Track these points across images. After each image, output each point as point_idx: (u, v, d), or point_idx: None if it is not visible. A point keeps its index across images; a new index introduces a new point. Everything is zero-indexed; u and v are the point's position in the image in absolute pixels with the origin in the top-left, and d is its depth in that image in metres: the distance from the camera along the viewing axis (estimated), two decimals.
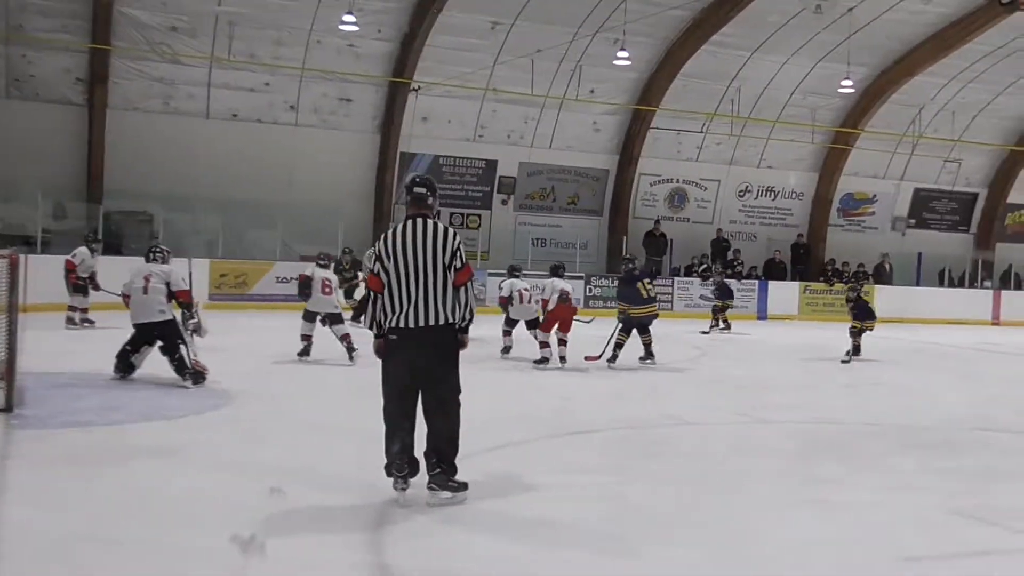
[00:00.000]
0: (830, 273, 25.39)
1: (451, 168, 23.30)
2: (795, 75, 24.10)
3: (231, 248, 20.17)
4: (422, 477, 5.54)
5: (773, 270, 25.26)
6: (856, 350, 14.49)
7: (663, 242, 24.61)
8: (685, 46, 22.42)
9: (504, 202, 24.02)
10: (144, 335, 9.42)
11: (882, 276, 26.31)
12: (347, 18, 19.02)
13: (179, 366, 9.26)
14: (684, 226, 25.63)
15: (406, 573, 4.48)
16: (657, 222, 24.73)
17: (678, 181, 25.59)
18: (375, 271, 5.62)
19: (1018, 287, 27.88)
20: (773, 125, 25.10)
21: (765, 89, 24.26)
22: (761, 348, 16.68)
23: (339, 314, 11.82)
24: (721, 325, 19.09)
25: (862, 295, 15.52)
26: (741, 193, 26.28)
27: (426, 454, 5.56)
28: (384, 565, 4.57)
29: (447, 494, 5.50)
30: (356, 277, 17.52)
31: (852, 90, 23.90)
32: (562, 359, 12.00)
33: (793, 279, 25.23)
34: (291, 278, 19.61)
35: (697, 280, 23.65)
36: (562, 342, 12.07)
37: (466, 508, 5.46)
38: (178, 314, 9.62)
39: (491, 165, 23.68)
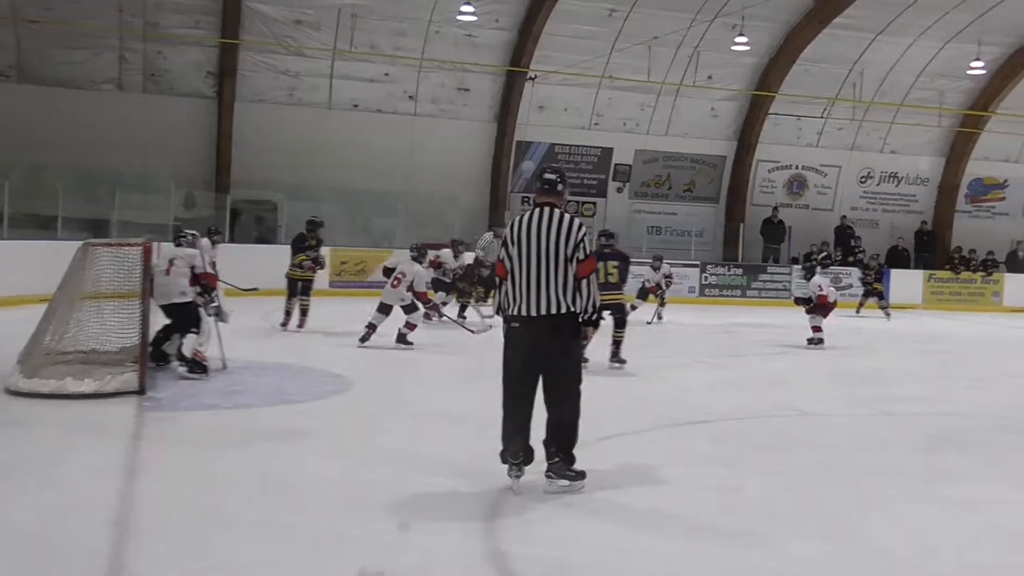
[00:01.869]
0: (957, 261, 24.58)
1: (567, 156, 23.36)
2: (921, 57, 23.36)
3: (352, 236, 20.67)
4: (539, 465, 5.62)
5: (896, 258, 24.56)
6: None
7: (781, 229, 24.20)
8: (806, 30, 21.97)
9: (619, 189, 23.98)
10: (169, 318, 9.24)
11: (1015, 265, 25.34)
12: (465, 8, 19.26)
13: (179, 353, 9.18)
14: (803, 213, 25.15)
15: (521, 561, 4.52)
16: (775, 209, 24.33)
17: (797, 167, 25.11)
18: (501, 257, 5.72)
19: None
20: (897, 109, 24.39)
21: (889, 72, 23.59)
22: (884, 338, 16.29)
23: (409, 305, 11.79)
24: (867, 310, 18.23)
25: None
26: (863, 179, 25.63)
27: (545, 442, 5.62)
28: (499, 552, 4.62)
29: (564, 482, 5.57)
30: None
31: (983, 71, 23.07)
32: None
33: (917, 267, 24.50)
34: None
35: (818, 268, 23.13)
36: None
37: (582, 497, 5.51)
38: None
39: (607, 152, 23.66)
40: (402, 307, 11.86)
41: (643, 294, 16.95)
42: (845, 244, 24.17)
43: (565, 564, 4.55)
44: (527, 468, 5.58)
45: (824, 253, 23.47)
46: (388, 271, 12.06)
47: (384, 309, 11.85)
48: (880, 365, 12.67)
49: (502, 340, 5.74)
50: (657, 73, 22.31)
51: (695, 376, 10.75)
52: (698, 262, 22.71)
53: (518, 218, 5.71)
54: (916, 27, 22.33)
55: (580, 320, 5.59)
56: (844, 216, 24.98)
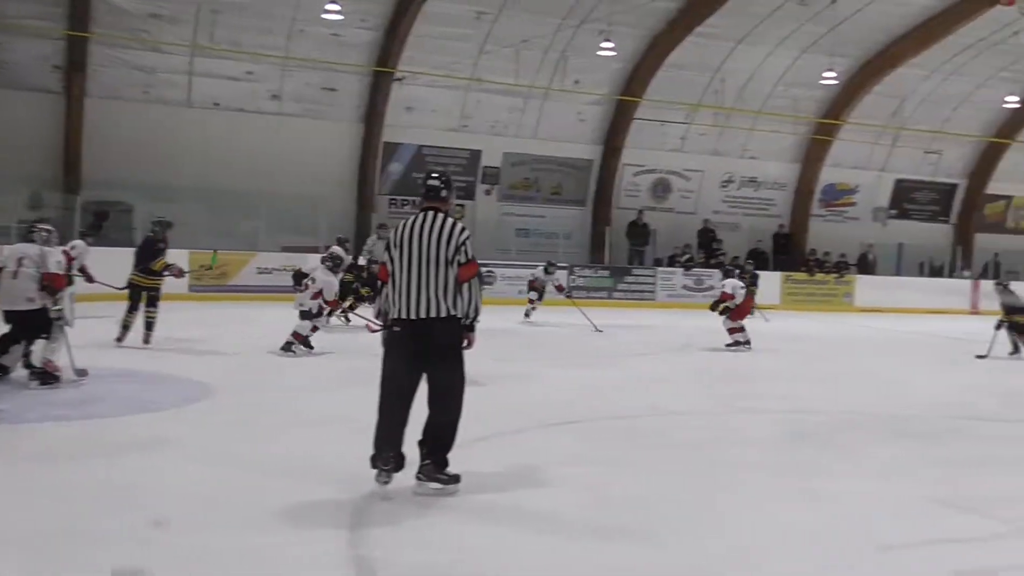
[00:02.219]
0: (812, 263, 25.50)
1: (435, 158, 23.24)
2: (779, 66, 24.15)
3: (212, 238, 20.05)
4: (410, 468, 5.54)
5: (756, 260, 25.29)
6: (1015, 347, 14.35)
7: (646, 232, 24.65)
8: (670, 37, 22.43)
9: (488, 192, 24.00)
10: (12, 325, 8.60)
11: (865, 266, 26.46)
12: (331, 7, 18.97)
13: (27, 362, 8.64)
14: (668, 216, 25.67)
15: (389, 566, 4.45)
16: (641, 212, 24.77)
17: (662, 171, 25.62)
18: (384, 261, 5.69)
19: (996, 277, 28.01)
20: (756, 116, 25.15)
21: (749, 80, 24.31)
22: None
23: (306, 312, 11.58)
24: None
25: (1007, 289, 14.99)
26: (724, 184, 26.34)
27: (420, 443, 5.56)
28: (365, 558, 4.54)
29: (436, 485, 5.51)
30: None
31: (835, 81, 24.01)
32: None
33: (775, 269, 25.31)
34: (273, 269, 19.66)
35: (680, 270, 23.74)
36: None
37: (453, 500, 5.46)
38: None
39: (475, 155, 23.65)
40: (300, 312, 11.60)
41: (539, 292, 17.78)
42: (707, 246, 24.81)
43: (432, 567, 4.47)
44: (397, 475, 5.49)
45: (687, 256, 24.04)
46: (301, 276, 11.84)
47: (305, 316, 11.63)
48: (742, 364, 12.98)
49: (380, 344, 5.68)
50: (525, 76, 22.43)
51: (566, 377, 10.79)
52: (567, 264, 22.90)
53: (403, 222, 5.67)
54: (774, 37, 23.08)
55: (463, 324, 5.57)
56: (707, 219, 25.61)
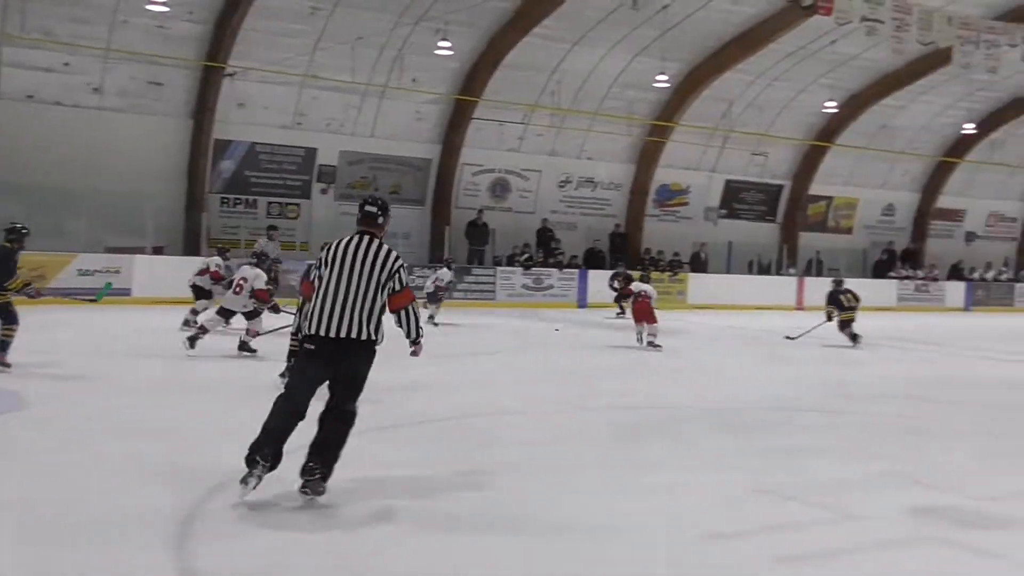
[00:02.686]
0: (647, 262, 26.11)
1: (269, 156, 22.66)
2: (613, 69, 24.61)
3: (29, 238, 18.92)
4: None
5: (593, 259, 25.77)
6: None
7: (485, 232, 24.72)
8: (506, 37, 22.53)
9: (324, 191, 23.54)
10: None
11: (698, 265, 27.29)
12: None
13: None
14: (507, 216, 25.81)
15: None
16: (480, 212, 24.82)
17: (500, 171, 25.73)
18: (311, 277, 5.75)
19: (819, 274, 29.42)
20: (592, 117, 25.58)
21: (585, 82, 24.68)
22: (582, 337, 16.98)
23: (252, 311, 11.93)
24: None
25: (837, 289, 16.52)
26: (562, 184, 26.66)
27: (309, 457, 5.46)
28: (192, 570, 4.38)
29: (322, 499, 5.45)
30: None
31: (667, 84, 24.63)
32: None
33: (612, 268, 25.79)
34: (95, 271, 18.75)
35: (520, 269, 23.91)
36: None
37: (279, 509, 5.30)
38: None
39: (311, 153, 23.16)
40: (244, 313, 11.66)
41: (435, 298, 18.16)
42: (546, 246, 25.07)
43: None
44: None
45: (527, 255, 24.25)
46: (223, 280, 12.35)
47: (225, 313, 11.96)
48: (583, 362, 13.12)
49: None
50: (362, 74, 22.11)
51: (403, 377, 10.63)
52: (406, 264, 22.66)
53: (337, 241, 5.70)
54: (608, 40, 23.49)
55: (409, 341, 5.84)
56: (545, 219, 25.87)
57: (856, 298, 16.26)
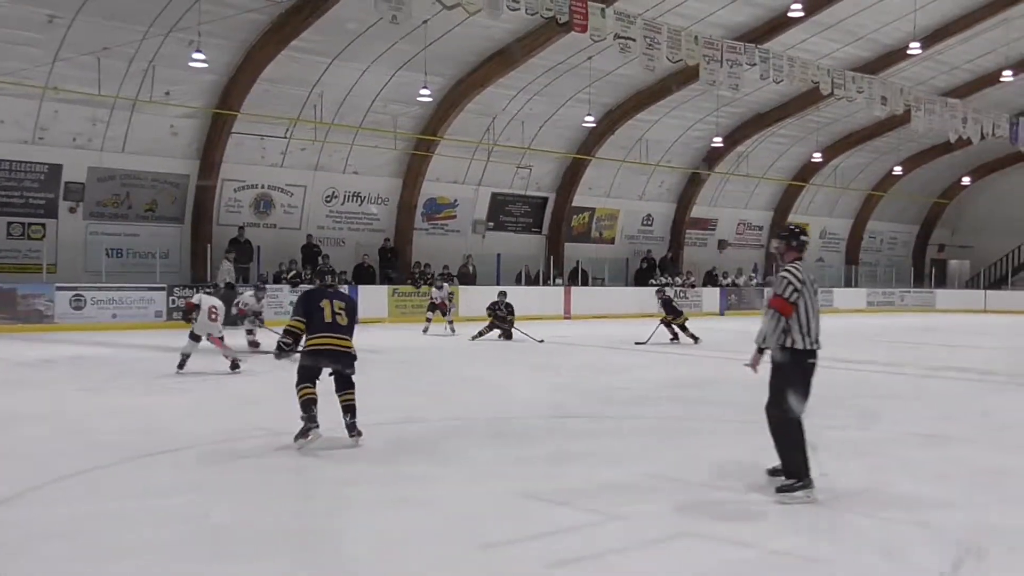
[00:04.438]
0: (417, 276, 26.11)
1: (7, 173, 21.01)
2: (376, 83, 24.48)
3: None
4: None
5: (362, 275, 25.50)
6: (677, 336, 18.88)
7: (249, 249, 23.96)
8: (264, 50, 21.90)
9: (72, 210, 22.07)
10: None
11: (466, 277, 27.52)
12: None
13: None
14: (272, 232, 25.15)
15: None
16: (242, 228, 24.04)
17: (263, 187, 25.03)
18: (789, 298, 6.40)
19: (584, 283, 30.37)
20: (356, 131, 25.34)
21: (347, 96, 24.42)
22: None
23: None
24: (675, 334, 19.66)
25: (666, 294, 19.82)
26: (328, 199, 26.26)
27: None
28: None
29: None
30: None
31: (430, 99, 24.72)
32: None
33: (382, 283, 25.62)
34: None
35: (287, 287, 23.33)
36: None
37: (29, 545, 4.91)
38: None
39: (55, 169, 21.67)
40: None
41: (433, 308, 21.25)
42: (312, 262, 24.56)
43: None
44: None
45: (293, 272, 23.71)
46: (194, 306, 12.86)
47: (196, 338, 12.76)
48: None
49: None
50: (109, 87, 20.92)
51: (161, 403, 10.10)
52: (164, 285, 21.71)
53: (799, 268, 6.45)
54: (369, 54, 23.34)
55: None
56: (310, 234, 25.40)
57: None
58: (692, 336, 18.90)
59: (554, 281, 29.57)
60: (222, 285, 21.27)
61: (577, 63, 25.56)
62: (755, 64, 22.72)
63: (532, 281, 29.75)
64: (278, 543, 5.16)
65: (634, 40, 20.14)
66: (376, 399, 10.76)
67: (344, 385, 7.97)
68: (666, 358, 15.93)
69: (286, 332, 7.97)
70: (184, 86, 21.97)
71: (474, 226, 29.42)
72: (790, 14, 23.11)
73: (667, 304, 19.42)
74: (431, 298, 21.88)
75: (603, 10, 19.55)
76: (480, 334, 19.30)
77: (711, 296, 32.58)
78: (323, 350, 7.83)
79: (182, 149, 23.21)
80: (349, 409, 7.90)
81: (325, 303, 7.93)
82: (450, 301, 21.96)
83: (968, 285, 41.44)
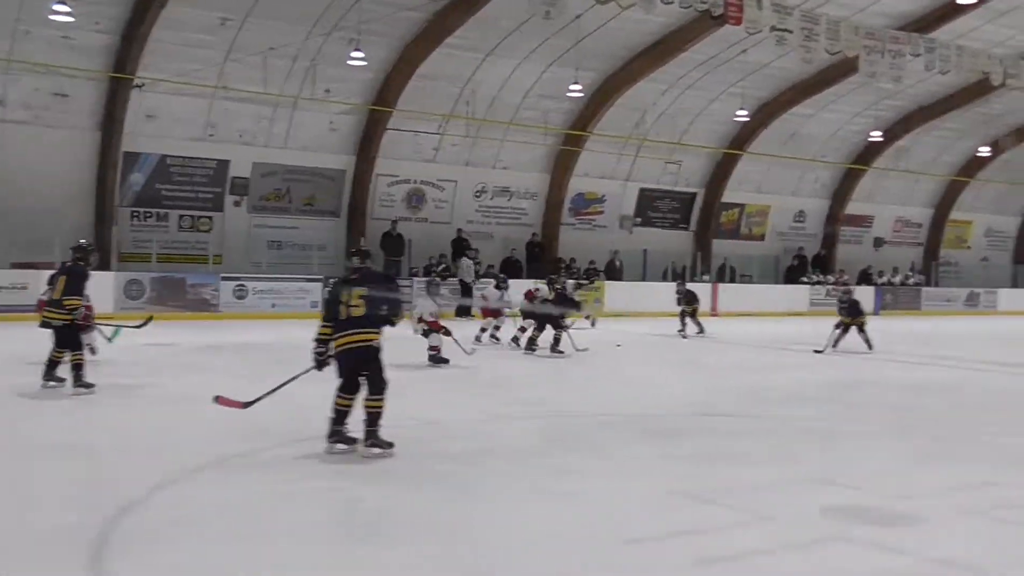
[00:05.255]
0: (562, 270, 26.18)
1: (180, 168, 22.23)
2: (527, 78, 24.70)
3: None
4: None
5: (510, 268, 25.76)
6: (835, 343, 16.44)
7: (401, 243, 24.57)
8: (420, 47, 22.44)
9: (237, 203, 23.15)
10: None
11: (613, 272, 27.49)
12: (58, 7, 17.64)
13: None
14: (423, 226, 25.69)
15: None
16: (395, 223, 24.66)
17: (416, 182, 25.61)
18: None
19: (732, 280, 29.88)
20: (507, 127, 25.64)
21: (499, 92, 24.72)
22: (504, 346, 16.97)
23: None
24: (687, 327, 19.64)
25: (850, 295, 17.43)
26: (478, 194, 26.66)
27: None
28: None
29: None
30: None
31: (581, 94, 24.80)
32: None
33: (528, 277, 25.80)
34: (1, 287, 18.20)
35: (438, 280, 23.77)
36: None
37: (197, 520, 5.21)
38: None
39: (223, 165, 22.77)
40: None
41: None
42: (462, 256, 24.99)
43: None
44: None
45: (443, 265, 24.18)
46: None
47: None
48: (502, 371, 13.08)
49: None
50: (274, 85, 21.84)
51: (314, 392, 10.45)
52: (322, 276, 22.49)
53: None
54: (522, 50, 23.58)
55: None
56: (460, 229, 25.82)
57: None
58: (868, 341, 16.57)
59: (701, 278, 29.19)
60: (469, 281, 23.17)
61: (731, 56, 25.16)
62: (920, 55, 21.92)
63: (679, 277, 29.40)
64: (425, 531, 5.29)
65: (791, 32, 19.74)
66: (529, 393, 10.96)
67: (370, 388, 7.11)
68: (818, 358, 15.56)
69: (317, 340, 7.34)
70: (343, 83, 22.72)
71: (621, 221, 29.33)
72: (960, 1, 22.06)
73: (853, 306, 17.10)
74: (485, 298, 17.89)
75: (759, 2, 19.21)
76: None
77: (865, 295, 31.45)
78: (340, 352, 7.18)
79: (340, 144, 23.99)
80: (368, 417, 7.05)
81: (345, 296, 7.20)
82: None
83: None
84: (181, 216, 22.37)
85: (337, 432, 7.08)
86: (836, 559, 4.97)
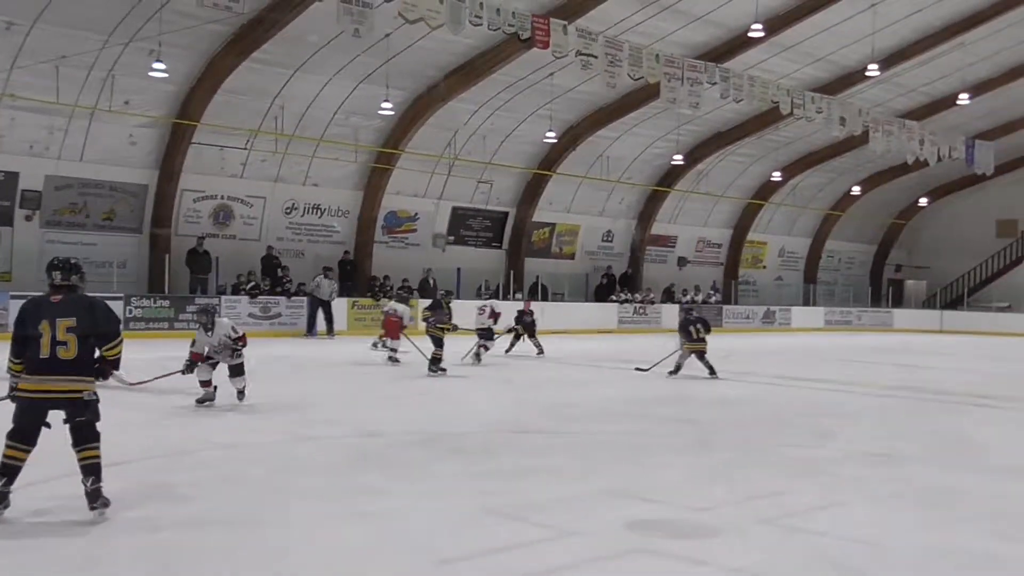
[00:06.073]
0: (376, 289, 26.03)
1: None
2: (337, 95, 24.42)
3: None
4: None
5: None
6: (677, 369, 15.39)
7: (208, 260, 23.78)
8: (225, 61, 21.79)
9: (28, 218, 21.80)
10: None
11: (426, 290, 27.44)
12: None
13: None
14: (231, 243, 24.95)
15: None
16: (201, 239, 23.85)
17: (223, 197, 24.85)
18: None
19: (545, 298, 30.41)
20: (317, 144, 25.27)
21: (309, 108, 24.33)
22: (308, 365, 16.66)
23: None
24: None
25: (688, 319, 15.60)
26: (288, 210, 26.12)
27: None
28: None
29: None
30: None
31: (392, 112, 24.72)
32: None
33: (341, 295, 25.47)
34: None
35: (246, 298, 23.21)
36: None
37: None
38: None
39: (12, 177, 21.39)
40: None
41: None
42: (272, 274, 24.45)
43: None
44: None
45: (252, 283, 23.55)
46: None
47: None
48: (303, 391, 12.79)
49: None
50: (67, 95, 20.72)
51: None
52: (122, 294, 21.48)
53: None
54: (331, 67, 23.28)
55: None
56: (271, 246, 25.24)
57: (707, 328, 15.52)
58: (709, 367, 15.27)
59: (513, 296, 29.57)
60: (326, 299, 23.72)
61: (539, 79, 25.67)
62: (715, 83, 22.98)
63: (492, 296, 29.72)
64: (218, 557, 5.12)
65: (595, 57, 20.30)
66: (333, 412, 10.78)
67: (81, 438, 5.79)
68: (626, 374, 15.97)
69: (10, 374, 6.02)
70: (144, 95, 21.81)
71: (434, 240, 29.38)
72: (750, 34, 23.25)
73: (682, 327, 15.81)
74: (391, 314, 18.12)
75: (565, 27, 19.69)
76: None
77: (670, 313, 32.70)
78: (35, 399, 5.75)
79: (141, 159, 23.00)
80: (90, 470, 5.74)
81: (44, 326, 5.78)
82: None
83: (925, 305, 41.99)
84: None
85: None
86: (640, 571, 5.10)
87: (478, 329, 17.74)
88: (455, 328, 15.94)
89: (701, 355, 15.20)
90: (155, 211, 23.46)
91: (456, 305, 16.99)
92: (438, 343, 15.19)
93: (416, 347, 16.26)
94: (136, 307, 21.58)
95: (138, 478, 6.91)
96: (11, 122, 20.83)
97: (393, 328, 17.34)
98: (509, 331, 19.69)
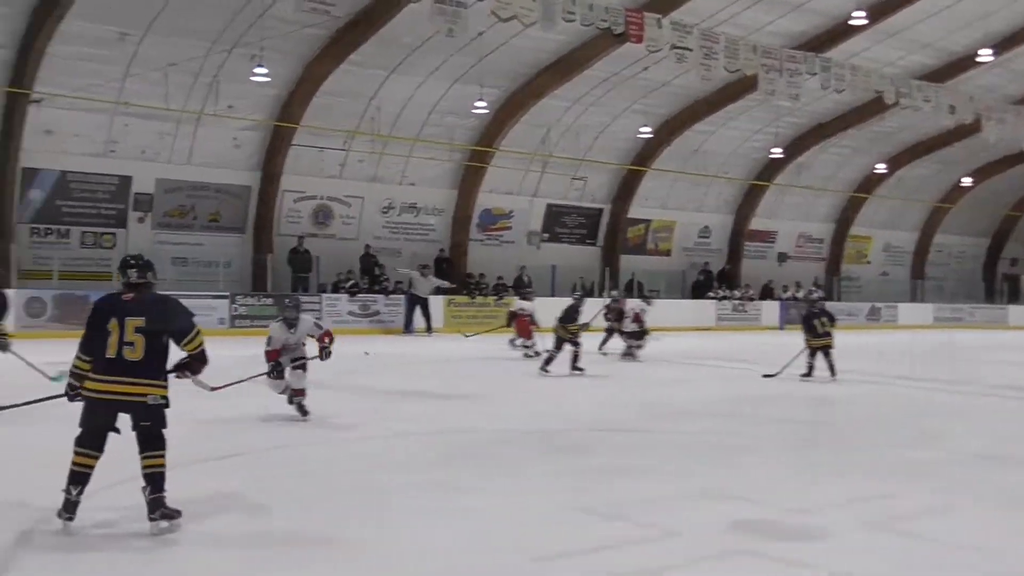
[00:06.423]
0: (472, 286, 26.21)
1: (80, 184, 21.64)
2: (432, 95, 24.67)
3: None
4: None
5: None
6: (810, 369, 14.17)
7: (308, 259, 24.28)
8: (323, 64, 22.25)
9: (141, 220, 22.62)
10: None
11: (522, 288, 27.50)
12: None
13: None
14: (330, 243, 25.42)
15: None
16: (301, 239, 24.37)
17: (322, 198, 25.35)
18: None
19: (640, 295, 30.14)
20: (413, 143, 25.57)
21: (404, 108, 24.64)
22: (402, 361, 16.87)
23: None
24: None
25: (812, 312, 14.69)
26: (385, 210, 26.50)
27: None
28: None
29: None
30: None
31: (486, 111, 24.88)
32: None
33: (437, 294, 25.70)
34: None
35: (345, 296, 23.61)
36: None
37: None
38: None
39: (125, 181, 22.22)
40: None
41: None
42: (370, 272, 24.84)
43: None
44: None
45: (352, 282, 23.95)
46: None
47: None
48: (396, 386, 12.93)
49: None
50: (176, 101, 21.43)
51: (216, 409, 10.23)
52: (227, 293, 22.09)
53: None
54: (425, 67, 23.55)
55: None
56: (368, 245, 25.62)
57: (833, 321, 14.58)
58: (831, 366, 14.27)
59: (609, 293, 29.40)
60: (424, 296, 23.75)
61: (633, 74, 25.54)
62: (816, 73, 22.53)
63: (587, 293, 29.58)
64: (328, 548, 5.24)
65: (690, 50, 20.09)
66: (427, 408, 10.90)
67: (146, 444, 5.63)
68: (722, 372, 15.80)
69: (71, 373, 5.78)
70: (246, 99, 22.40)
71: (529, 237, 29.45)
72: (852, 22, 22.70)
73: (806, 322, 14.70)
74: (520, 312, 18.45)
75: (659, 20, 19.55)
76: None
77: (770, 310, 32.20)
78: (99, 399, 5.58)
79: (244, 161, 23.63)
80: (149, 480, 5.55)
81: (113, 324, 5.61)
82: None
83: None
84: (84, 232, 21.79)
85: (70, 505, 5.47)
86: (739, 573, 5.03)
87: (626, 332, 18.15)
88: (585, 326, 15.37)
89: (827, 351, 14.20)
90: (258, 212, 24.06)
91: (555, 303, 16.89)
92: (558, 344, 14.83)
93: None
94: (241, 305, 22.14)
95: (234, 475, 7.09)
96: (125, 128, 21.62)
97: (524, 327, 17.68)
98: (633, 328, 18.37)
